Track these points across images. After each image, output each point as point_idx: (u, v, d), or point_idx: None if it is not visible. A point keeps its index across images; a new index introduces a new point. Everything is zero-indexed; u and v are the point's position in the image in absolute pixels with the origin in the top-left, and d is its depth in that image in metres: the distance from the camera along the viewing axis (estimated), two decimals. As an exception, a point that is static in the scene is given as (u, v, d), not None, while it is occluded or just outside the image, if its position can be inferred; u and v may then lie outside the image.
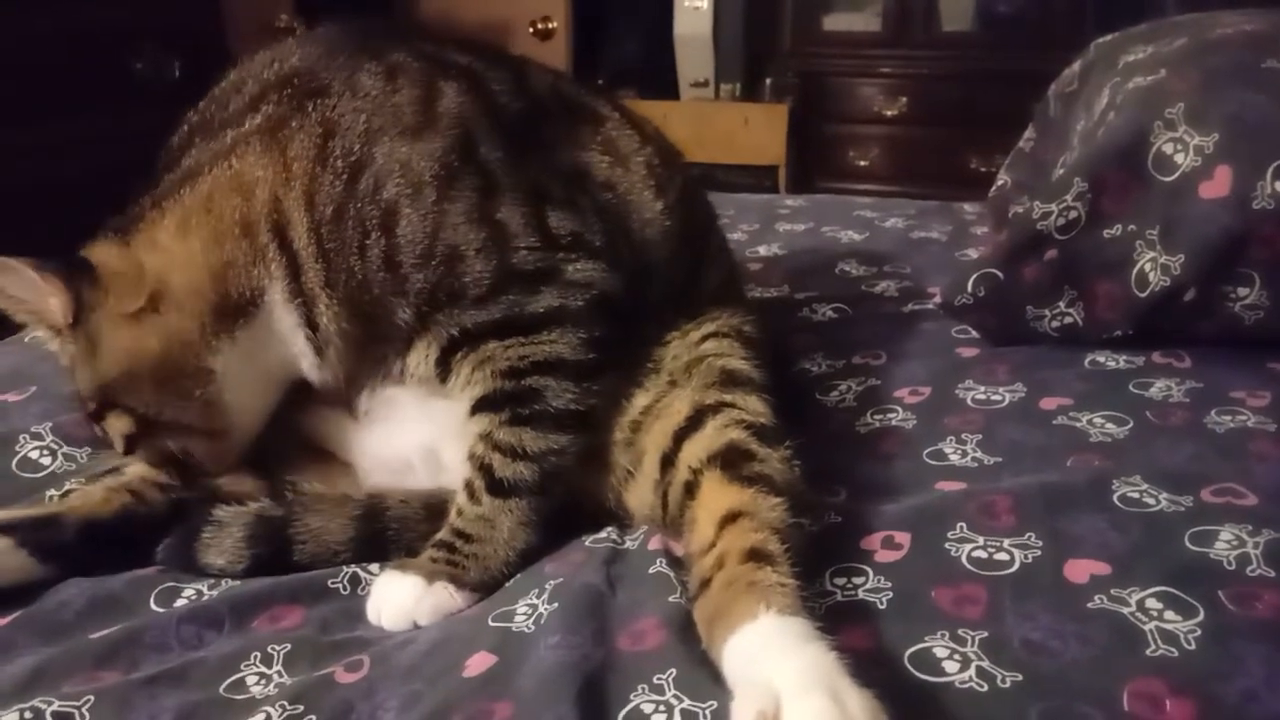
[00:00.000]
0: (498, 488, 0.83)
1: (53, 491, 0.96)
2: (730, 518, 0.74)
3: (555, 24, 3.46)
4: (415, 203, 0.81)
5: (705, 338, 0.93)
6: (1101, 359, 1.07)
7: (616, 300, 0.86)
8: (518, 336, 0.83)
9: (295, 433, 0.97)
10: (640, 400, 0.89)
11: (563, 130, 0.94)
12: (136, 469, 0.94)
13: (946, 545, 0.76)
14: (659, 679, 0.65)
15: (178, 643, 0.78)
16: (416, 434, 0.93)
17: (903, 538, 0.77)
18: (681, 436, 0.84)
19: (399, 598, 0.80)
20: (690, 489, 0.80)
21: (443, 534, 0.84)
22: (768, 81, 3.43)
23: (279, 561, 0.87)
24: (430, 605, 0.80)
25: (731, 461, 0.79)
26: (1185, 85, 1.09)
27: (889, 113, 3.44)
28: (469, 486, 0.85)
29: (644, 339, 0.92)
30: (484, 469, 0.84)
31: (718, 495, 0.77)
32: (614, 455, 0.88)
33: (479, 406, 0.85)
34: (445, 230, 0.81)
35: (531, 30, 3.43)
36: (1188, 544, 0.72)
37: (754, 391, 0.87)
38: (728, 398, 0.85)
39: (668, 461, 0.84)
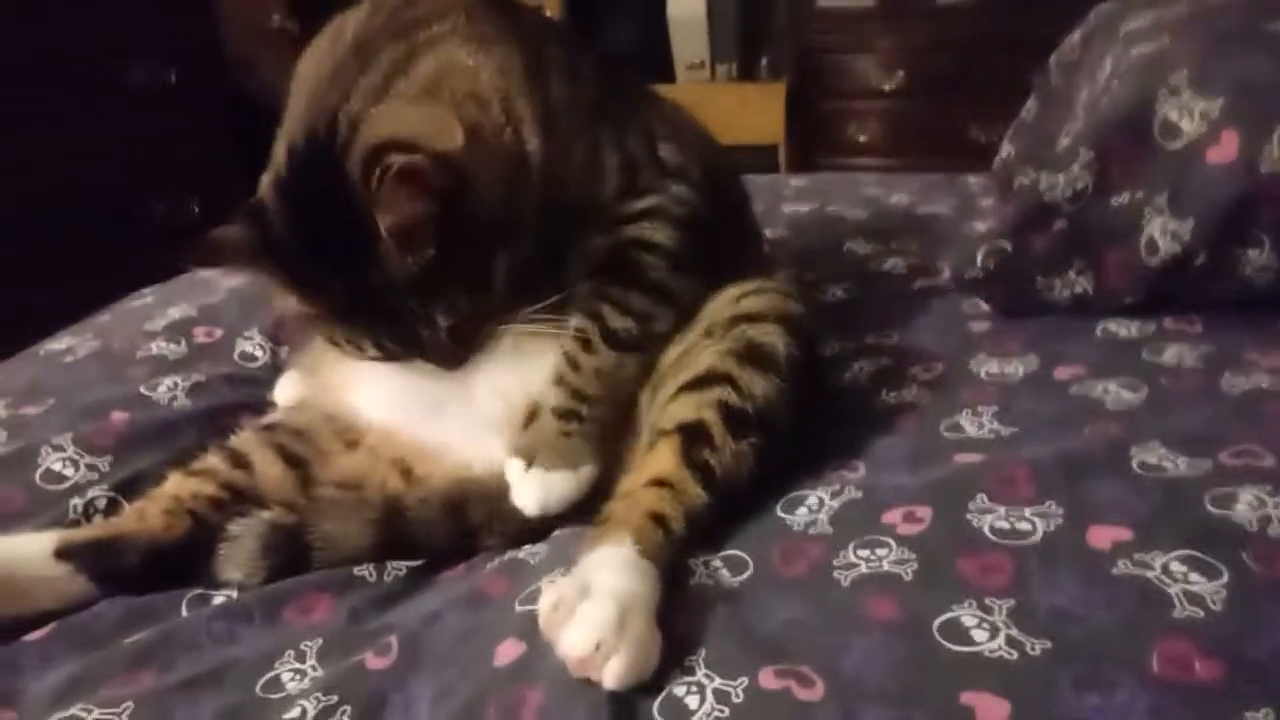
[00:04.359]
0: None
1: (76, 500, 0.96)
2: (658, 482, 0.80)
3: (548, 8, 3.44)
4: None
5: (745, 295, 0.94)
6: (1113, 327, 1.07)
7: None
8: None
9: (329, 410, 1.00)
10: (672, 351, 0.91)
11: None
12: (173, 485, 0.93)
13: (968, 516, 0.76)
14: (689, 660, 0.66)
15: (209, 639, 0.79)
16: None
17: (924, 511, 0.78)
18: (681, 390, 0.87)
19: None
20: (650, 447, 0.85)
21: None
22: (764, 60, 3.41)
23: (299, 569, 0.86)
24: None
25: (692, 439, 0.82)
26: (1188, 51, 1.08)
27: (886, 86, 3.41)
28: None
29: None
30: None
31: (661, 460, 0.82)
32: (642, 419, 0.90)
33: None
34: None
35: (525, 17, 3.41)
36: (1209, 507, 0.73)
37: (766, 371, 0.86)
38: (735, 372, 0.86)
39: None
